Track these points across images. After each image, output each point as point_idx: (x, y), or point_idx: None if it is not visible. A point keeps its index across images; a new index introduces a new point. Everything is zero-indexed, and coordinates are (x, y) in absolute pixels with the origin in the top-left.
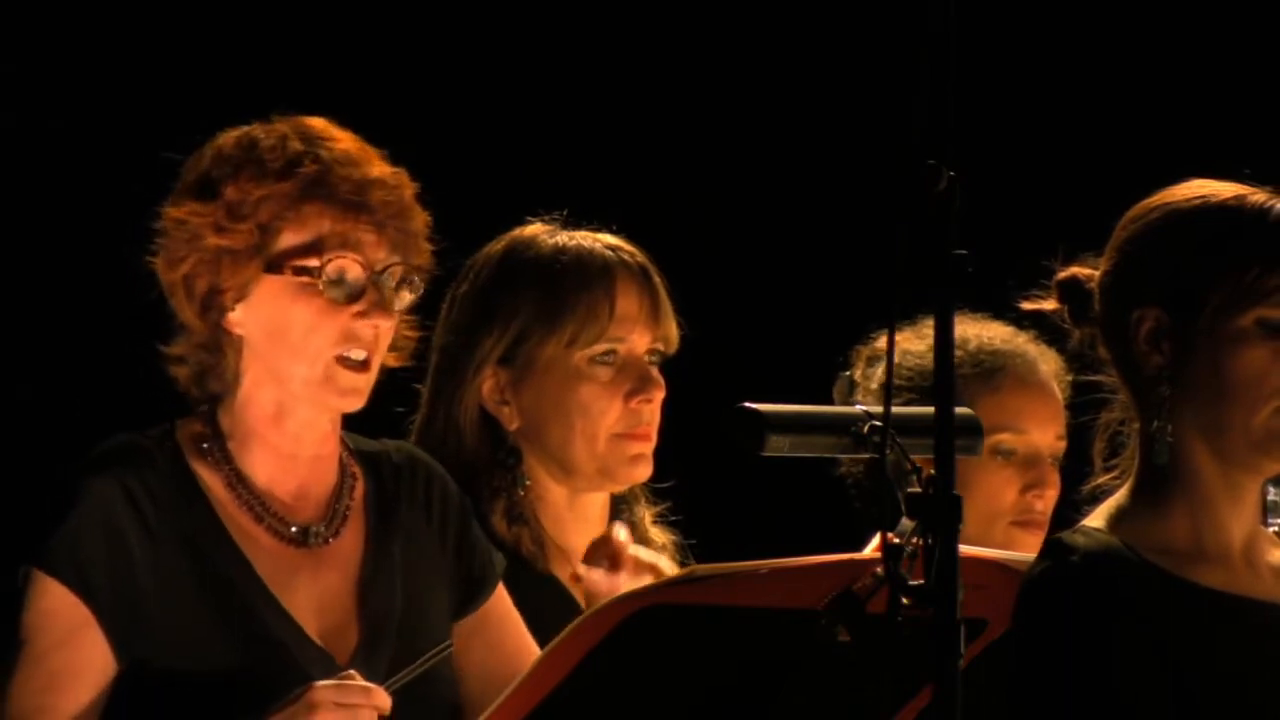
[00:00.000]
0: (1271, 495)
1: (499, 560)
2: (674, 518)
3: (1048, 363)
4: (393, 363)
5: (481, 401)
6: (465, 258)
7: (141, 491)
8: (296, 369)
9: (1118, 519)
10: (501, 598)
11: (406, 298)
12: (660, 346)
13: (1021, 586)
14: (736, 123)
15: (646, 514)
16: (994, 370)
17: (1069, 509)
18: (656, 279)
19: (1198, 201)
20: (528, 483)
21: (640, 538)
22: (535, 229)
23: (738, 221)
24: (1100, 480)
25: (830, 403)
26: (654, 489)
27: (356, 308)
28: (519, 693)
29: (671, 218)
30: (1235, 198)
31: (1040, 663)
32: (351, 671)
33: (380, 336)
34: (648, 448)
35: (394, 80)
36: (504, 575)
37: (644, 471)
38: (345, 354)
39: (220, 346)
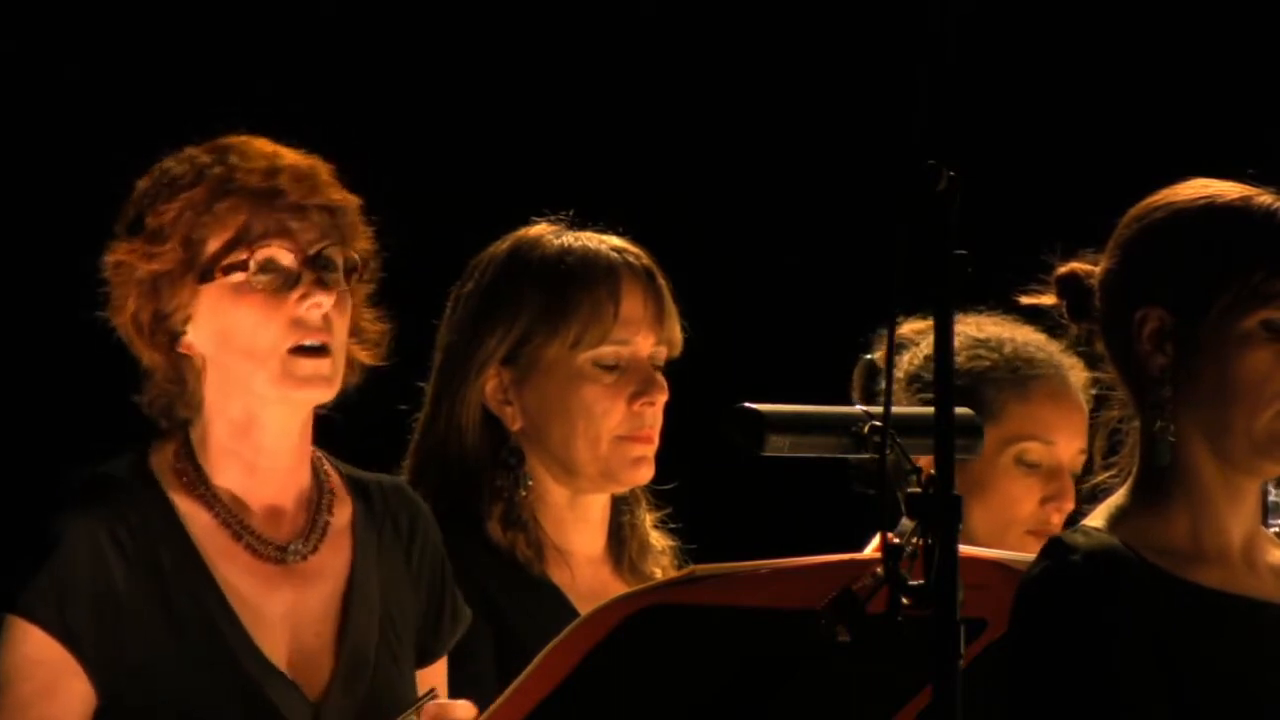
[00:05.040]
0: (1272, 496)
1: (462, 623)
2: (674, 524)
3: (1078, 375)
4: (369, 360)
5: (484, 401)
6: (470, 257)
7: (122, 528)
8: (255, 371)
9: (1118, 519)
10: (440, 670)
11: (361, 287)
12: (664, 349)
13: (1020, 585)
14: (739, 125)
15: (648, 517)
16: (1028, 378)
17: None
18: (661, 281)
19: (1203, 202)
20: (530, 483)
21: (641, 541)
22: (541, 229)
23: (739, 222)
24: (1099, 478)
25: (832, 401)
26: (655, 490)
27: (296, 293)
28: (519, 693)
29: (675, 219)
30: (1241, 199)
31: (1039, 662)
32: None
33: (332, 320)
34: (650, 450)
35: (400, 80)
36: (499, 583)
37: (646, 474)
38: (299, 343)
39: (181, 374)
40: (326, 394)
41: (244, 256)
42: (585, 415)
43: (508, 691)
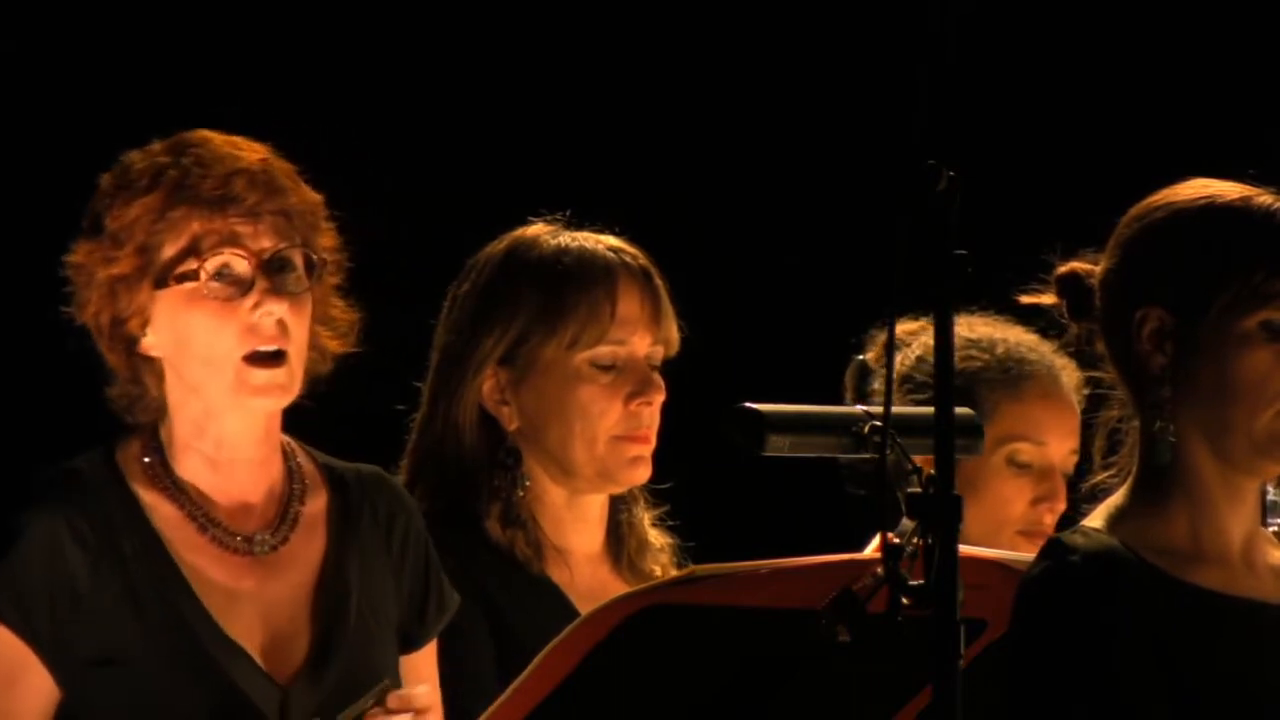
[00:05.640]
0: (1271, 495)
1: (449, 609)
2: (673, 522)
3: (1069, 376)
4: (340, 349)
5: (481, 401)
6: (467, 257)
7: (83, 521)
8: (211, 378)
9: (1117, 519)
10: (429, 655)
11: (328, 280)
12: (661, 349)
13: (1020, 586)
14: (738, 124)
15: (646, 516)
16: (1020, 378)
17: (1069, 508)
18: (658, 281)
19: (1203, 202)
20: (527, 483)
21: (639, 539)
22: (538, 229)
23: (738, 222)
24: (1099, 478)
25: (832, 401)
26: (653, 490)
27: (249, 301)
28: (519, 692)
29: (673, 219)
30: (1241, 199)
31: (1039, 662)
32: None
33: (289, 326)
34: (647, 450)
35: (399, 79)
36: (498, 582)
37: (643, 474)
38: (253, 350)
39: (140, 377)
40: (283, 400)
41: (195, 266)
42: (582, 415)
43: (508, 691)
